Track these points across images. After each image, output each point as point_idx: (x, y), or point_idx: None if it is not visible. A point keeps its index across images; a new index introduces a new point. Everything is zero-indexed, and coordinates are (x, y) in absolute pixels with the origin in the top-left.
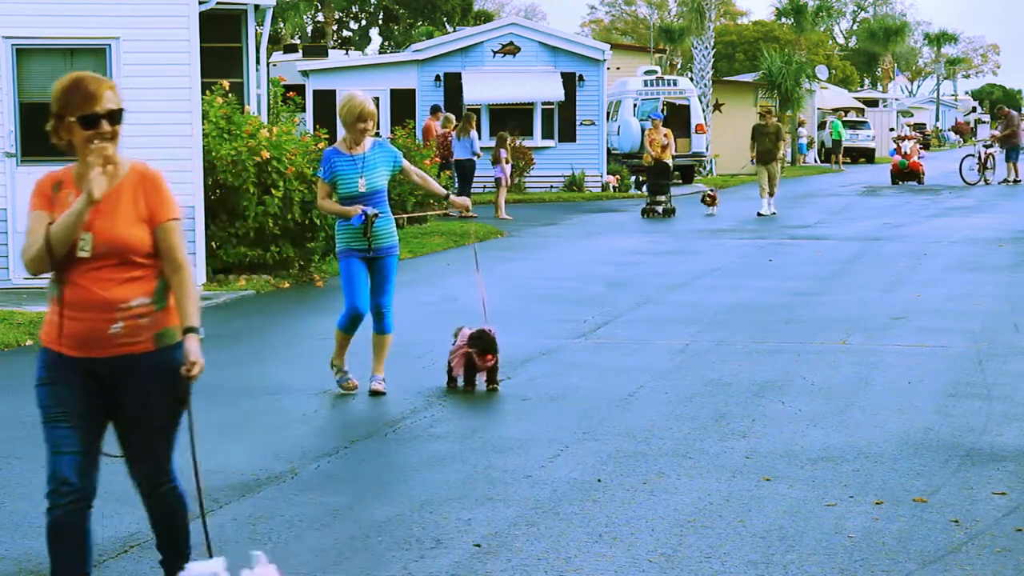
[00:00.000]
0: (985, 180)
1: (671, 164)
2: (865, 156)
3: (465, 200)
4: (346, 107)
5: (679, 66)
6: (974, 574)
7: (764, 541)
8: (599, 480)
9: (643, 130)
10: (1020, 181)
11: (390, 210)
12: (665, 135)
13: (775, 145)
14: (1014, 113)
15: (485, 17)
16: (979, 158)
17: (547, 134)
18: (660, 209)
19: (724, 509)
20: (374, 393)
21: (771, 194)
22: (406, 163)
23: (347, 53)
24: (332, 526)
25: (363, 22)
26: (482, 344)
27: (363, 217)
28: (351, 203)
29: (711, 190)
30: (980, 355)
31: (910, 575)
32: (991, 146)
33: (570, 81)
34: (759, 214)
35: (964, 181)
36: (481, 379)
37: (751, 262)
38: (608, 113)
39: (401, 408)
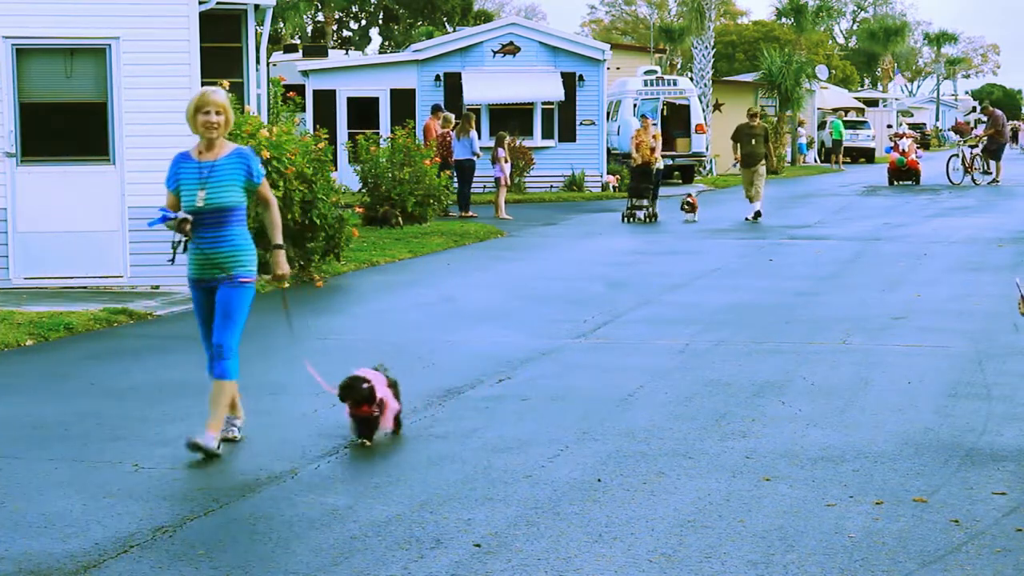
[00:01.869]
0: (973, 180)
1: (660, 167)
2: (865, 156)
3: (283, 273)
4: (190, 100)
5: (679, 66)
6: (974, 574)
7: (764, 541)
8: (599, 480)
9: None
10: (999, 182)
11: (246, 233)
12: (654, 137)
13: (761, 147)
14: (998, 112)
15: (485, 17)
16: (963, 158)
17: (547, 134)
18: (641, 214)
19: (724, 509)
20: (194, 447)
21: (757, 198)
22: (266, 185)
23: (347, 53)
24: (332, 526)
25: (363, 22)
26: (349, 395)
27: (161, 220)
28: (194, 220)
29: (690, 195)
30: (980, 355)
31: (910, 575)
32: (976, 146)
33: (570, 81)
34: (747, 219)
35: (950, 181)
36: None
37: (751, 262)
38: (608, 113)
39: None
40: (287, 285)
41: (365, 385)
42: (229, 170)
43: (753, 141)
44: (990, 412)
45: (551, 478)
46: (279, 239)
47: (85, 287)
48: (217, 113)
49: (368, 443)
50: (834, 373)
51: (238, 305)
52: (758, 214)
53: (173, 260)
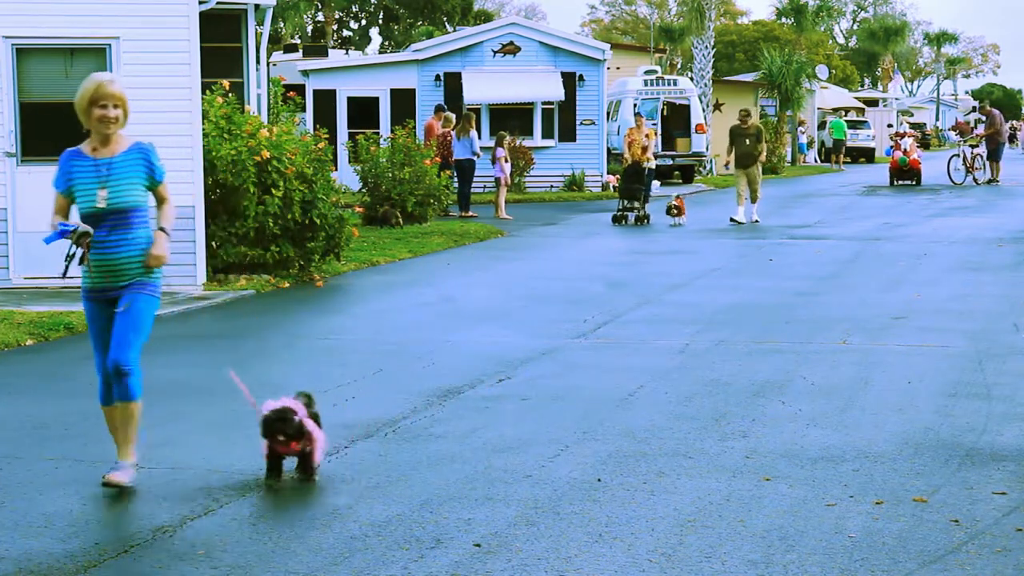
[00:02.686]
0: (975, 180)
1: (652, 168)
2: (865, 156)
3: (159, 254)
4: (79, 91)
5: (679, 66)
6: (974, 574)
7: (764, 541)
8: (599, 480)
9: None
10: (999, 182)
11: (151, 236)
12: (647, 136)
13: (755, 148)
14: (996, 112)
15: (485, 17)
16: (964, 158)
17: (547, 134)
18: (632, 216)
19: (724, 509)
20: (107, 484)
21: (753, 200)
22: (165, 186)
23: (347, 53)
24: (332, 526)
25: (363, 22)
26: (280, 431)
27: (59, 236)
28: (93, 223)
29: (677, 198)
30: (980, 355)
31: (910, 575)
32: (976, 146)
33: (570, 81)
34: (732, 220)
35: (951, 181)
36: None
37: (751, 262)
38: (608, 113)
39: (401, 408)
40: (156, 270)
41: (296, 419)
42: (130, 167)
43: (747, 142)
44: (990, 412)
45: (551, 478)
46: (165, 224)
47: None
48: (115, 107)
49: (309, 479)
50: (834, 373)
51: (141, 314)
52: (756, 221)
53: (65, 273)
